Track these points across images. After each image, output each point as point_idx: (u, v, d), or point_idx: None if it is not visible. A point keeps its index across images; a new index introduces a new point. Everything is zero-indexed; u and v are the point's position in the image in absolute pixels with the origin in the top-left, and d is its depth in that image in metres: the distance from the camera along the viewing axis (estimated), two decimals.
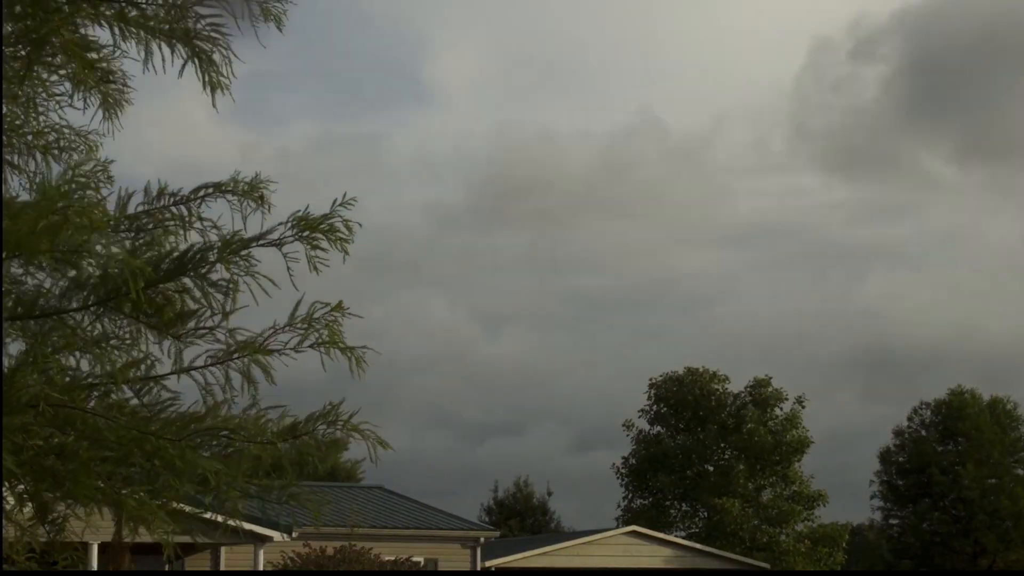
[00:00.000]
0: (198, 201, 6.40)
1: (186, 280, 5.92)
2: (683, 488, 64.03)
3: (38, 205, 5.54)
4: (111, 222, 6.07)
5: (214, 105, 6.29)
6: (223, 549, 32.32)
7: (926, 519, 64.75)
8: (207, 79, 6.24)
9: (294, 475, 6.11)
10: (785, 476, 63.88)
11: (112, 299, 5.85)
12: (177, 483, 5.92)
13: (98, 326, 6.08)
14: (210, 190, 6.40)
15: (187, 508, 6.44)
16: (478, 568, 39.22)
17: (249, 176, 6.50)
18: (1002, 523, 62.35)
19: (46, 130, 7.06)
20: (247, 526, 27.67)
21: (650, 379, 66.36)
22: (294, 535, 30.35)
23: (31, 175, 7.03)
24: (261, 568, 30.48)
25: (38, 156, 7.09)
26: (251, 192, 6.46)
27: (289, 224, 6.23)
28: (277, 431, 5.95)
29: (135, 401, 6.01)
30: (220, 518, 6.30)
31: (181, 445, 5.79)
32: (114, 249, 5.75)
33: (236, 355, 5.97)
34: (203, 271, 5.92)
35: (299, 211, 6.29)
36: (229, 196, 6.45)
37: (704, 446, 63.92)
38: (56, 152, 7.16)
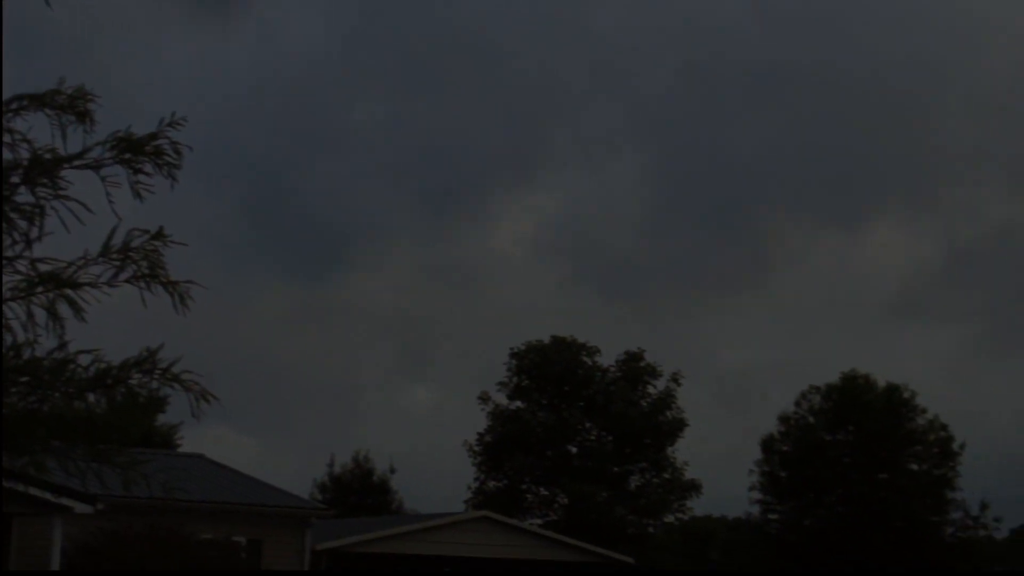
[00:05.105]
0: (11, 114, 6.25)
1: None
2: (542, 471, 64.48)
3: None
4: None
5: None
6: (15, 521, 31.79)
7: (808, 515, 65.67)
8: None
9: (104, 431, 6.03)
10: (657, 462, 64.69)
11: None
12: None
13: None
14: (24, 102, 6.25)
15: None
16: (306, 551, 39.13)
17: (71, 88, 6.39)
18: (892, 523, 63.44)
19: None
20: (43, 493, 27.09)
21: (511, 348, 66.61)
22: (99, 506, 29.94)
23: None
24: (59, 544, 30.07)
25: None
26: (72, 106, 6.33)
27: (109, 144, 6.14)
28: (86, 379, 5.86)
29: None
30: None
31: None
32: None
33: (40, 289, 5.86)
34: (5, 193, 5.81)
35: (120, 130, 6.21)
36: (48, 110, 6.31)
37: (568, 425, 64.35)
38: None
